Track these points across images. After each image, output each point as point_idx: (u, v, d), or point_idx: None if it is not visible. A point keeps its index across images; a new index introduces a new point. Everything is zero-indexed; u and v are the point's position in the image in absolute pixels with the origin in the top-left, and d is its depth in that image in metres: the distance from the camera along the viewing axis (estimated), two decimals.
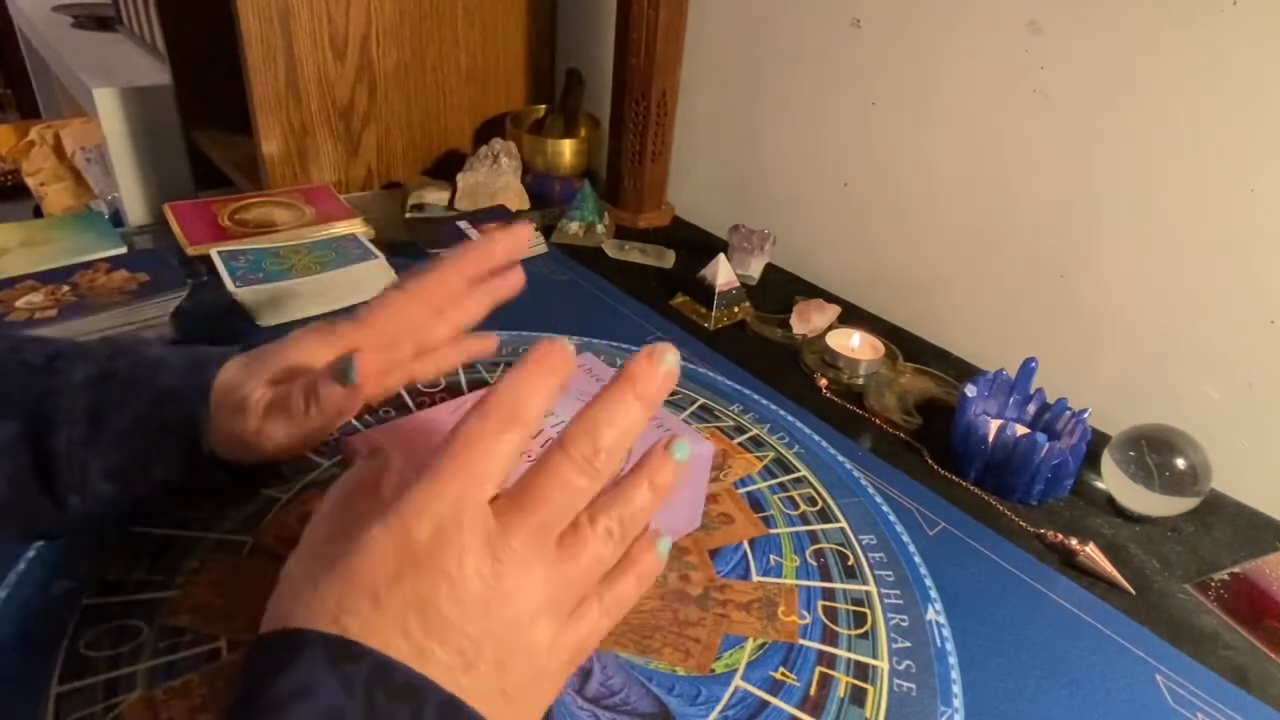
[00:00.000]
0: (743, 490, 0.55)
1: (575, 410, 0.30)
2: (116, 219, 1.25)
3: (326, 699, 0.25)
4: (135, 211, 1.25)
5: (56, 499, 0.40)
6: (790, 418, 0.64)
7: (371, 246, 0.78)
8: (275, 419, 0.41)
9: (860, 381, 0.69)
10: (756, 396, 0.66)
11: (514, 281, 0.50)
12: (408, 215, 0.92)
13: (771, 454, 0.59)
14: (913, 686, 0.43)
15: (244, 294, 0.68)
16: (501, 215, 0.88)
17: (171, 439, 0.41)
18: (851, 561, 0.50)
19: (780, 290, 0.85)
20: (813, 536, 0.52)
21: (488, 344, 0.52)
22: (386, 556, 0.27)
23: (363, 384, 0.40)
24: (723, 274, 0.76)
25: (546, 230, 0.89)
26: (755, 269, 0.85)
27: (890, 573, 0.50)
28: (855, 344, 0.71)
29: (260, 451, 0.42)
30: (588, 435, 0.29)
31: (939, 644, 0.45)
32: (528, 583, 0.28)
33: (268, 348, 0.44)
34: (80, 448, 0.39)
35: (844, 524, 0.53)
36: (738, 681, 0.42)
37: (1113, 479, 0.58)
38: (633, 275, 0.84)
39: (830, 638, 0.45)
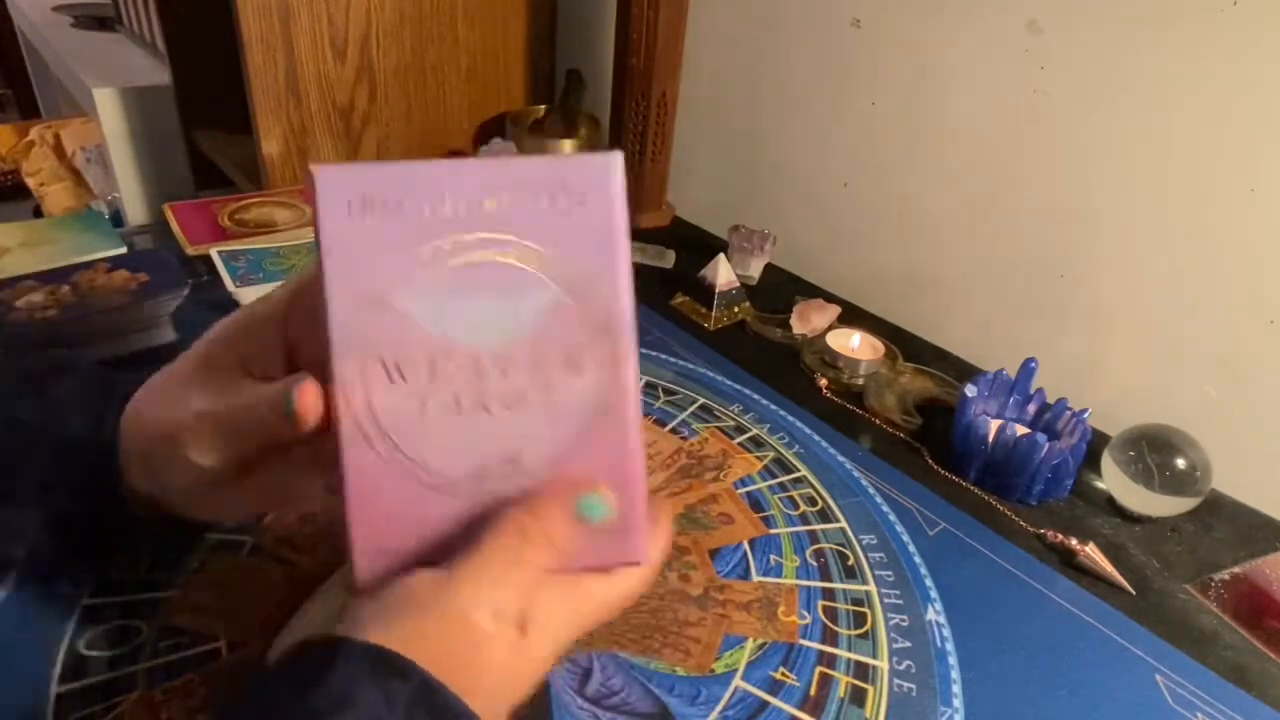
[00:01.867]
0: (743, 490, 0.55)
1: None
2: (116, 219, 1.25)
3: (367, 712, 0.25)
4: (135, 211, 1.25)
5: None
6: (790, 418, 0.64)
7: None
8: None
9: (860, 381, 0.69)
10: (756, 396, 0.66)
11: None
12: None
13: (771, 454, 0.59)
14: (913, 686, 0.43)
15: (244, 294, 0.68)
16: None
17: (85, 494, 0.36)
18: (851, 561, 0.50)
19: (780, 290, 0.84)
20: (813, 536, 0.52)
21: None
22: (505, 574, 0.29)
23: (304, 418, 0.29)
24: (723, 274, 0.76)
25: None
26: (755, 269, 0.85)
27: (890, 573, 0.50)
28: (855, 344, 0.71)
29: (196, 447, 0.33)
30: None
31: (939, 644, 0.45)
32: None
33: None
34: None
35: (844, 524, 0.53)
36: (738, 681, 0.42)
37: (1113, 479, 0.58)
38: (633, 275, 0.84)
39: (830, 638, 0.45)
